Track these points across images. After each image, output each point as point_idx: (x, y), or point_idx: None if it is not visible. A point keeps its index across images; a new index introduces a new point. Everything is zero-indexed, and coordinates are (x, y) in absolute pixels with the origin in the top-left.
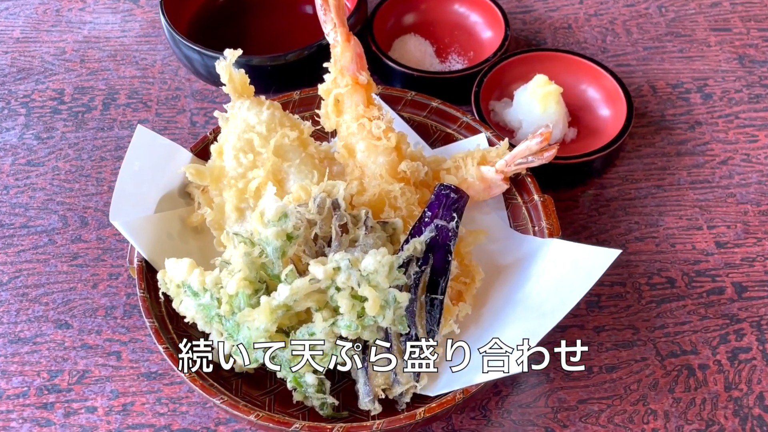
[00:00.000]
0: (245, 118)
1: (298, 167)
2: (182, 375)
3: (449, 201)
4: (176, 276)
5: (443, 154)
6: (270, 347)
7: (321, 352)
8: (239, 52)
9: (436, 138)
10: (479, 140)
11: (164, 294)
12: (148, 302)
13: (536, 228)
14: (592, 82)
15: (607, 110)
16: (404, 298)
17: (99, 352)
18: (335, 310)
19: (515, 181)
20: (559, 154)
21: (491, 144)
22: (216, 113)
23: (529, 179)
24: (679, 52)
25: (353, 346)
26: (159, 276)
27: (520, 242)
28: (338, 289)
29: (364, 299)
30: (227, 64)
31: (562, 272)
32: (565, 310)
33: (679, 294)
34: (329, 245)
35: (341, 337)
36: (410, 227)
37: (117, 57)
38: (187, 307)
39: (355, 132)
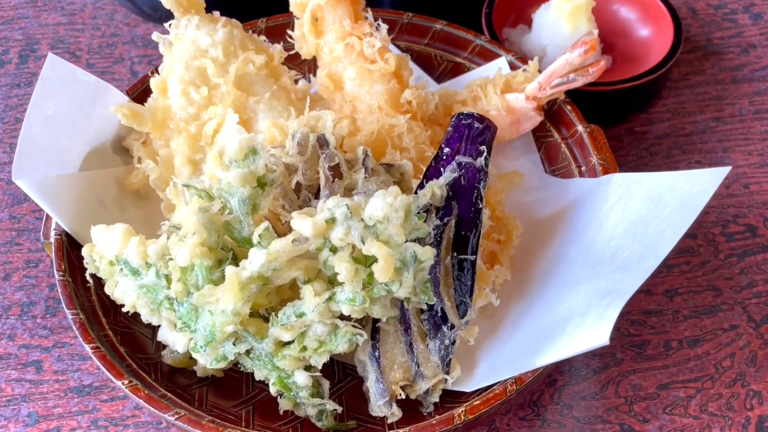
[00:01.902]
0: (194, 39)
1: (269, 103)
2: (122, 386)
3: (473, 132)
4: (107, 249)
5: (453, 89)
6: (242, 337)
7: (315, 341)
8: None
9: (442, 71)
10: (497, 68)
11: (93, 276)
12: (71, 289)
13: (583, 168)
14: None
15: (647, 30)
16: (428, 254)
17: (12, 363)
18: (330, 281)
19: (549, 113)
20: (594, 82)
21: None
22: (155, 35)
23: (569, 107)
24: None
25: (359, 329)
26: (84, 251)
27: (563, 188)
28: (334, 250)
29: (371, 261)
30: None
31: (640, 210)
32: (660, 255)
33: (763, 244)
34: (316, 196)
35: (342, 317)
36: (424, 171)
37: (38, 2)
38: (124, 291)
39: (341, 56)
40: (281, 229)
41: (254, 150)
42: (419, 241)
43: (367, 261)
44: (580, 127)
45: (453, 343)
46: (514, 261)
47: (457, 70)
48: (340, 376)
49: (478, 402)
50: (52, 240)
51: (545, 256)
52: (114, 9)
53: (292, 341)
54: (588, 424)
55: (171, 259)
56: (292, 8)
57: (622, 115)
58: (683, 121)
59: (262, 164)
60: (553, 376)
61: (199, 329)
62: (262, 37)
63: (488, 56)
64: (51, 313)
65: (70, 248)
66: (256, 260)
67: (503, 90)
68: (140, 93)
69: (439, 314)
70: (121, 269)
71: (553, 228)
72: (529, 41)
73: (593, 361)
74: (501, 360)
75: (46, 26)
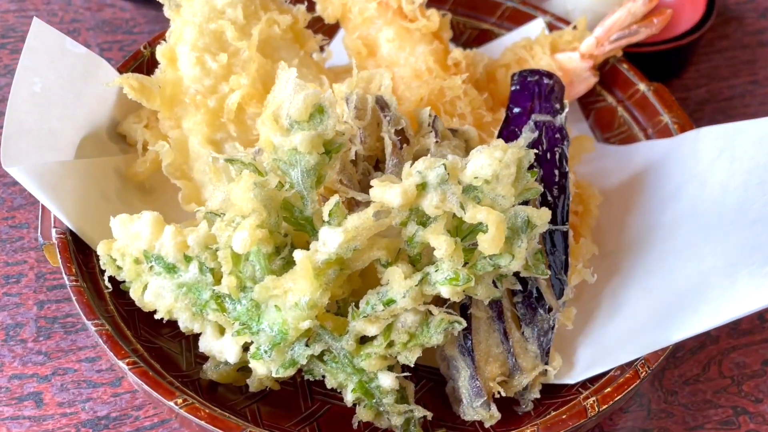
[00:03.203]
0: None
1: (298, 71)
2: (176, 407)
3: (543, 89)
4: (133, 244)
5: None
6: (318, 336)
7: (405, 334)
8: None
9: (466, 39)
10: (532, 31)
11: (111, 279)
12: (88, 295)
13: (649, 130)
14: None
15: None
16: (544, 216)
17: (3, 398)
18: (412, 261)
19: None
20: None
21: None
22: None
23: (625, 65)
24: None
25: (455, 316)
26: (100, 249)
27: (628, 155)
28: (422, 222)
29: (471, 230)
30: None
31: (758, 159)
32: None
33: None
34: (376, 168)
35: (435, 302)
36: (496, 133)
37: None
38: (158, 294)
39: (374, 15)
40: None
41: (321, 108)
42: (528, 203)
43: (460, 233)
44: (642, 86)
45: (552, 328)
46: (597, 233)
47: (484, 37)
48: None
49: (610, 390)
50: (54, 239)
51: (629, 226)
52: None
53: (376, 336)
54: (698, 410)
55: (218, 249)
56: None
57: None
58: (720, 85)
59: (332, 124)
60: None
61: (263, 330)
62: None
63: (520, 19)
64: (44, 335)
65: (77, 250)
66: (331, 240)
67: (551, 51)
68: (133, 70)
69: (535, 295)
70: (152, 267)
71: (628, 196)
72: (549, 7)
73: (687, 341)
74: (610, 343)
75: None
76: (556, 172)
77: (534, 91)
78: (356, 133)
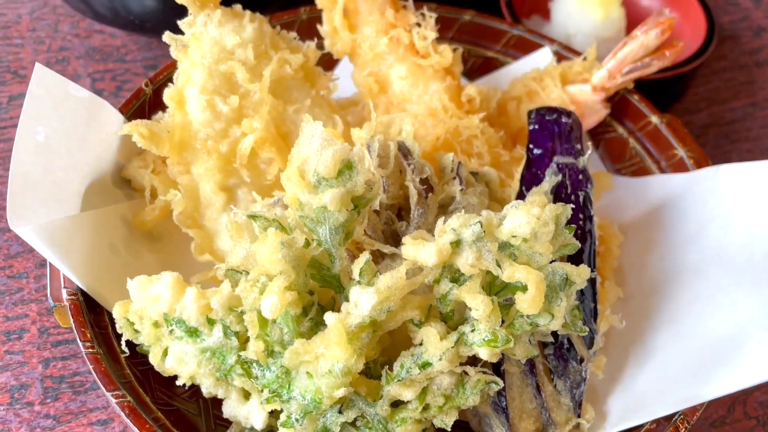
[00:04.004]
0: (217, 38)
1: (310, 111)
2: None
3: (563, 128)
4: (152, 307)
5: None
6: (351, 402)
7: (440, 396)
8: None
9: (471, 67)
10: (539, 60)
11: (129, 342)
12: (106, 363)
13: (663, 163)
14: None
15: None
16: (583, 273)
17: None
18: (444, 318)
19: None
20: None
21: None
22: (166, 36)
23: (636, 97)
24: None
25: (491, 375)
26: (116, 313)
27: (642, 188)
28: (455, 278)
29: (498, 288)
30: None
31: None
32: None
33: None
34: (399, 216)
35: (468, 362)
36: (512, 179)
37: None
38: (180, 359)
39: (385, 51)
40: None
41: (349, 164)
42: (566, 259)
43: (493, 289)
44: (654, 118)
45: (584, 379)
46: (620, 273)
47: (489, 65)
48: None
49: None
50: (66, 302)
51: (652, 266)
52: (57, 19)
53: (412, 399)
54: None
55: (243, 311)
56: (318, 0)
57: (659, 107)
58: (720, 109)
59: (361, 180)
60: None
61: (294, 397)
62: (292, 34)
63: (525, 47)
64: (52, 397)
65: (89, 311)
66: (364, 302)
67: (561, 82)
68: (136, 110)
69: (566, 346)
70: (172, 331)
71: (648, 234)
72: (550, 32)
73: None
74: (642, 394)
75: None
76: (581, 216)
77: (553, 131)
78: (379, 181)
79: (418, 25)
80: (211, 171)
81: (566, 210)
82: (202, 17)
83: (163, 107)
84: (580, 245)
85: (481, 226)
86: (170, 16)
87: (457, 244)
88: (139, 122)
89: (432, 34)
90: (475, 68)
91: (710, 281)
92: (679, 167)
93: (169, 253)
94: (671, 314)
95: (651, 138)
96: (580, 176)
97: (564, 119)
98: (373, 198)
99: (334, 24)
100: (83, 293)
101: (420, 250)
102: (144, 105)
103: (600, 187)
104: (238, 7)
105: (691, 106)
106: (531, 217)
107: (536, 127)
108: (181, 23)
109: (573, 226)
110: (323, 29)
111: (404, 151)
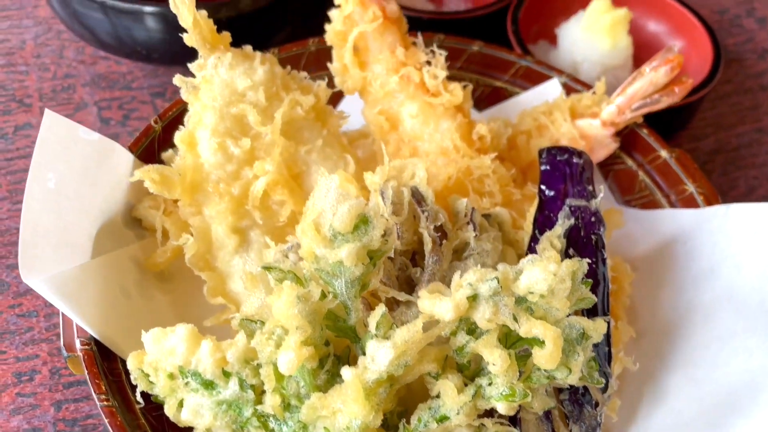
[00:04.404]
0: (228, 81)
1: (322, 152)
2: None
3: (574, 169)
4: (167, 359)
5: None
6: None
7: None
8: None
9: (479, 96)
10: (548, 91)
11: (144, 394)
12: (121, 417)
13: (673, 197)
14: (650, 11)
15: (679, 43)
16: (600, 328)
17: None
18: (460, 368)
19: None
20: None
21: (567, 95)
22: (177, 79)
23: (645, 130)
24: None
25: (508, 426)
26: (131, 364)
27: (652, 221)
28: (471, 330)
29: (513, 340)
30: (188, 1)
31: None
32: None
33: None
34: (413, 262)
35: (485, 413)
36: (524, 218)
37: None
38: (196, 411)
39: (395, 89)
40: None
41: (365, 218)
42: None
43: (510, 339)
44: (663, 153)
45: (599, 424)
46: (632, 312)
47: (497, 94)
48: None
49: None
50: (79, 352)
51: (663, 304)
52: (61, 44)
53: None
54: None
55: (259, 364)
56: (328, 38)
57: (666, 134)
58: (727, 134)
59: (378, 235)
60: None
61: None
62: (303, 73)
63: (534, 77)
64: None
65: (103, 360)
66: (381, 357)
67: (571, 116)
68: (145, 148)
69: (581, 391)
70: (188, 383)
71: (658, 270)
72: (557, 58)
73: None
74: None
75: None
76: (594, 259)
77: (565, 173)
78: (394, 229)
79: (428, 63)
80: (223, 213)
81: (582, 266)
82: (213, 60)
83: (172, 144)
84: (596, 299)
85: (498, 282)
86: (177, 45)
87: (473, 299)
88: (150, 168)
89: (442, 73)
90: (483, 97)
91: (724, 324)
92: (689, 202)
93: (181, 293)
94: (685, 356)
95: (660, 172)
96: (593, 218)
97: (575, 159)
98: (388, 250)
99: (345, 62)
100: (96, 341)
101: (437, 305)
102: (153, 142)
103: (611, 225)
104: (248, 47)
105: (698, 132)
106: (547, 274)
107: (548, 167)
108: (192, 66)
109: (589, 281)
110: (333, 66)
111: (418, 197)
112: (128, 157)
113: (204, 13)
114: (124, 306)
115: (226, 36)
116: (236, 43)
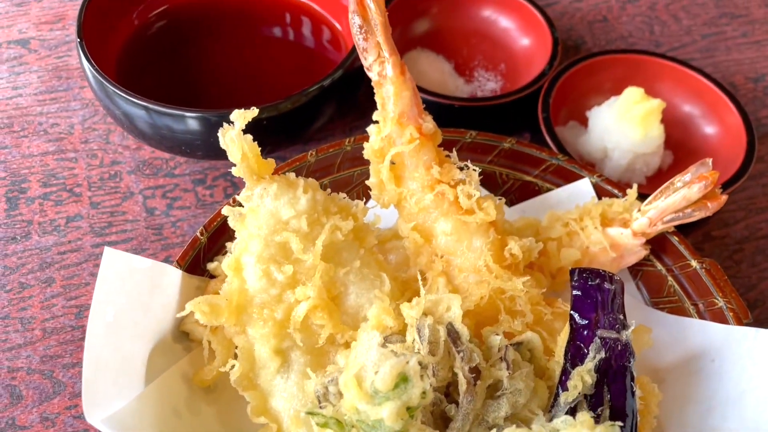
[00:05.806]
0: (273, 211)
1: (359, 273)
2: None
3: (606, 296)
4: None
5: (525, 214)
6: None
7: None
8: (253, 112)
9: (508, 189)
10: (578, 190)
11: None
12: None
13: (701, 306)
14: (683, 90)
15: (712, 127)
16: None
17: None
18: None
19: (648, 241)
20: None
21: (598, 194)
22: (225, 210)
23: (676, 238)
24: (743, 36)
25: None
26: None
27: (680, 328)
28: None
29: None
30: (237, 133)
31: None
32: None
33: None
34: (447, 397)
35: None
36: (556, 343)
37: (14, 126)
38: None
39: (430, 206)
40: None
41: (405, 377)
42: None
43: None
44: (694, 263)
45: None
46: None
47: (526, 188)
48: None
49: None
50: None
51: (691, 425)
52: (107, 128)
53: None
54: None
55: None
56: (366, 153)
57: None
58: (757, 219)
59: (417, 393)
60: None
61: None
62: (342, 194)
63: (566, 175)
64: None
65: None
66: None
67: (601, 222)
68: (193, 260)
69: None
70: None
71: (685, 386)
72: (588, 143)
73: None
74: None
75: (30, 157)
76: (624, 394)
77: (597, 300)
78: (429, 365)
79: (463, 182)
80: (267, 337)
81: (615, 429)
82: (259, 190)
83: (216, 251)
84: None
85: None
86: (218, 140)
87: None
88: (201, 300)
89: (476, 193)
90: (513, 189)
91: None
92: (718, 316)
93: (225, 403)
94: None
95: (690, 279)
96: (624, 350)
97: (607, 285)
98: (426, 402)
99: (381, 177)
100: None
101: None
102: (200, 253)
103: (639, 344)
104: (291, 175)
105: (727, 217)
106: None
107: (579, 293)
108: (240, 198)
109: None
110: (370, 182)
111: (453, 336)
112: (177, 275)
113: (249, 137)
114: (174, 426)
115: (271, 163)
116: (276, 137)
